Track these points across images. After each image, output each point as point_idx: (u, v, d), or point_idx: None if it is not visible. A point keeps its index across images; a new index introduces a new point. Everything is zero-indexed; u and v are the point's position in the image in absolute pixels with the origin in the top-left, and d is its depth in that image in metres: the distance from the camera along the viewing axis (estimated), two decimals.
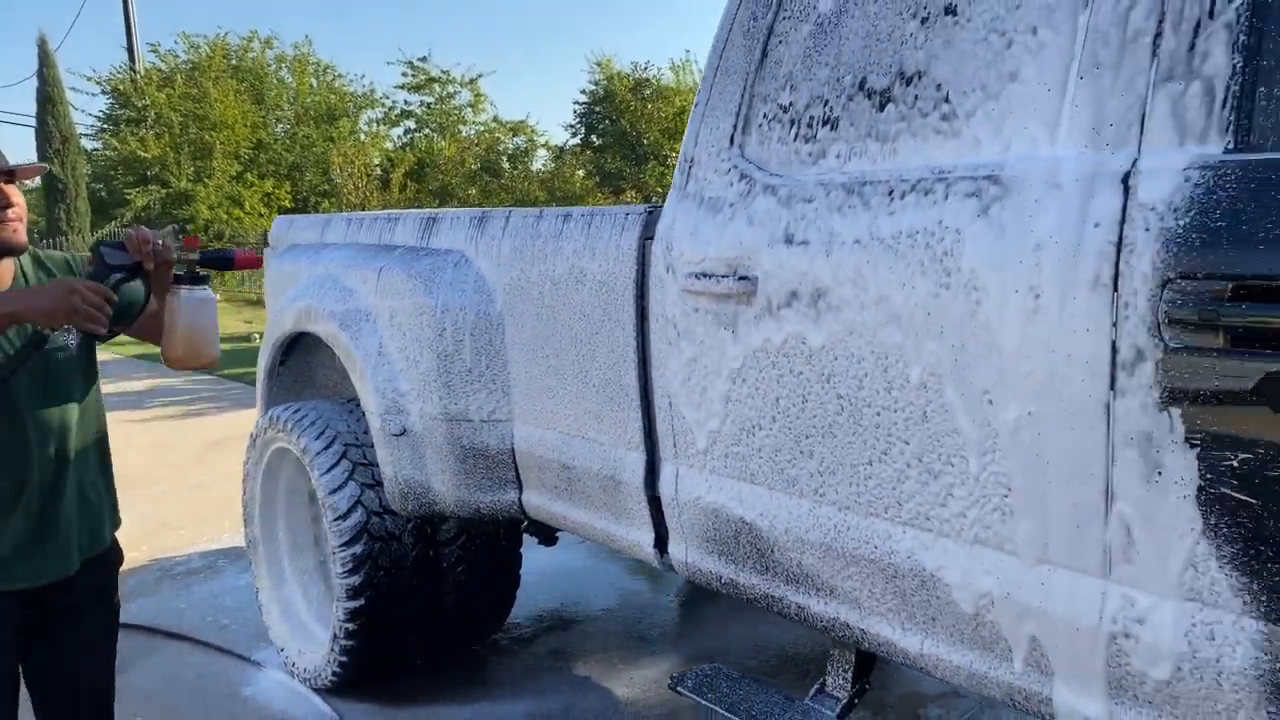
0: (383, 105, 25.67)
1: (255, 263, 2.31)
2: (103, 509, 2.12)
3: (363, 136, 24.78)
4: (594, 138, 22.04)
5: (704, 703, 2.19)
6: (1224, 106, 1.39)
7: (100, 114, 23.51)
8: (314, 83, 25.14)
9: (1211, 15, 1.42)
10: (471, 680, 3.35)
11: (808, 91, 2.02)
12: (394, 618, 3.07)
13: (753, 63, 2.15)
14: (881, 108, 1.87)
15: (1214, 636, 1.39)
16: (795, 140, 2.03)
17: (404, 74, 24.73)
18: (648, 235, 2.29)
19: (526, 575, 3.50)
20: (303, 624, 3.45)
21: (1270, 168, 1.32)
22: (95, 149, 23.66)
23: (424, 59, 24.54)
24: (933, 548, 1.74)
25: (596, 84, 22.00)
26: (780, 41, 2.11)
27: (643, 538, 2.40)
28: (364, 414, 3.01)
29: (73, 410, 2.02)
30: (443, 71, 24.77)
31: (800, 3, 2.09)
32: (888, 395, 1.77)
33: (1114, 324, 1.44)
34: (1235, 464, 1.34)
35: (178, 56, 23.90)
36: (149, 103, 21.99)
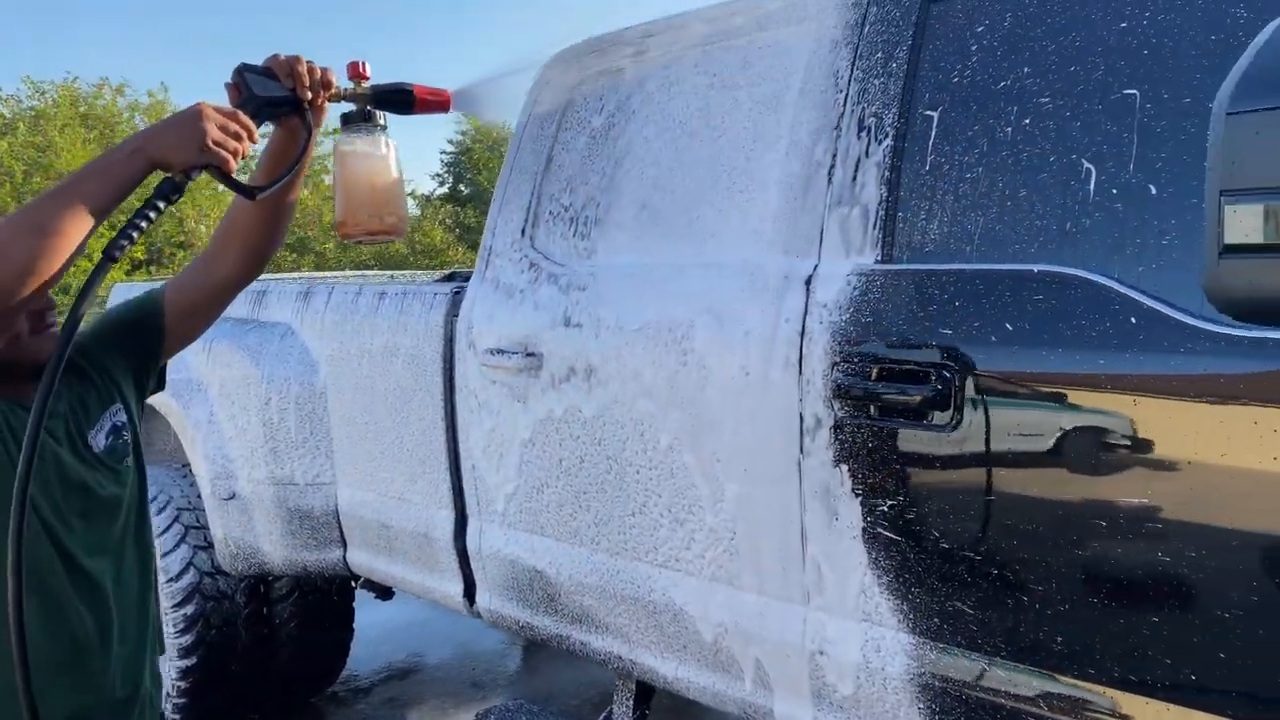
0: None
1: (443, 104, 1.72)
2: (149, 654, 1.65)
3: (222, 188, 24.33)
4: (461, 187, 22.25)
5: None
6: (874, 226, 1.76)
7: None
8: None
9: (867, 155, 1.80)
10: None
11: (583, 194, 2.35)
12: (227, 675, 3.20)
13: (540, 166, 2.46)
14: (639, 212, 2.21)
15: (880, 650, 1.73)
16: (573, 236, 2.34)
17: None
18: (454, 314, 2.57)
19: (369, 629, 3.66)
20: None
21: (902, 276, 1.70)
22: None
23: None
24: (681, 586, 2.05)
25: (464, 134, 22.28)
26: (563, 148, 2.44)
27: (453, 589, 2.64)
28: (196, 479, 3.16)
29: (115, 512, 1.58)
30: None
31: (578, 116, 2.42)
32: (644, 457, 2.08)
33: (800, 398, 1.79)
34: (885, 509, 1.69)
35: (20, 102, 23.08)
36: None
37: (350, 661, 3.73)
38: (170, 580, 3.11)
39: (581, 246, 2.32)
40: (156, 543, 3.15)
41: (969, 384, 1.58)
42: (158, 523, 3.17)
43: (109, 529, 1.53)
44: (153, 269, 21.59)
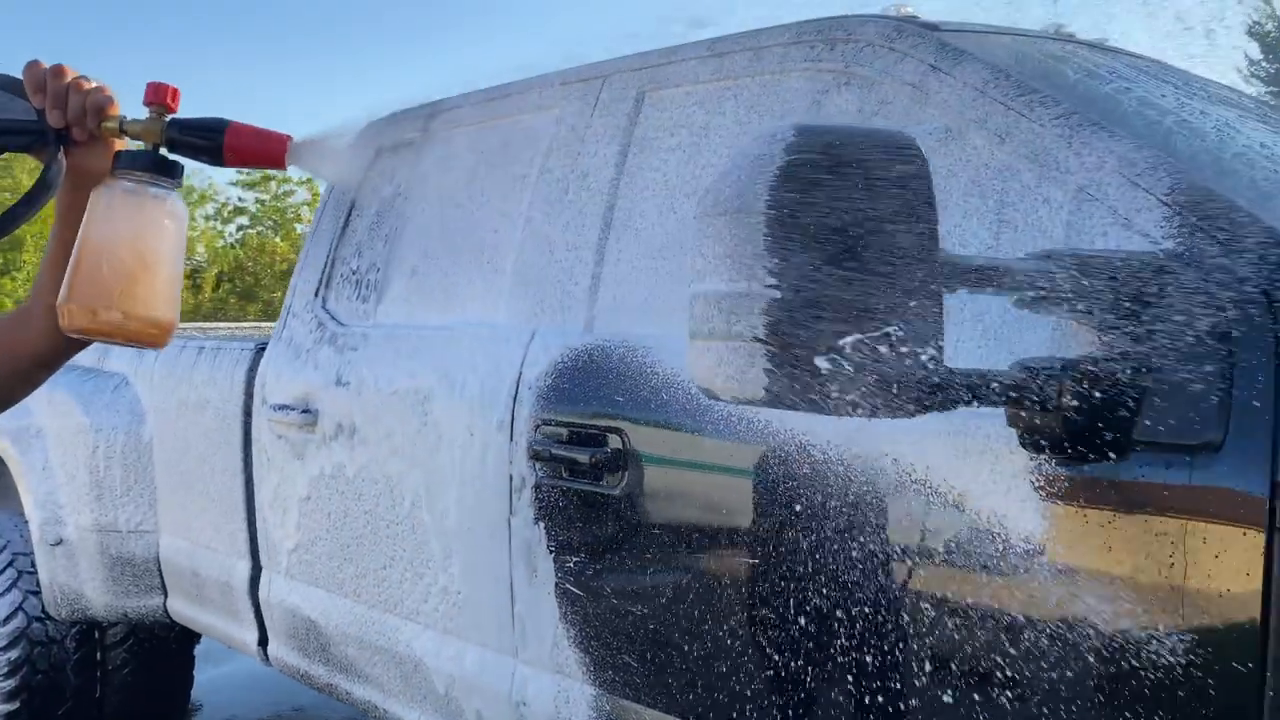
0: (215, 200, 25.44)
1: (274, 157, 1.20)
2: None
3: (193, 233, 24.44)
4: None
5: None
6: (580, 299, 1.89)
7: None
8: None
9: (581, 235, 1.92)
10: None
11: (369, 258, 2.47)
12: (48, 715, 3.23)
13: (337, 230, 2.59)
14: (409, 278, 2.33)
15: (569, 700, 1.82)
16: (357, 299, 2.46)
17: (238, 170, 24.68)
18: (254, 370, 2.67)
19: (233, 677, 3.67)
20: None
21: (590, 350, 1.82)
22: None
23: None
24: (420, 638, 2.14)
25: None
26: (358, 214, 2.56)
27: (250, 637, 2.71)
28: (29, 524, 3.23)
29: None
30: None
31: (373, 184, 2.55)
32: (393, 513, 2.17)
33: (510, 459, 1.89)
34: (571, 565, 1.79)
35: None
36: None
37: (228, 705, 3.75)
38: None
39: (362, 309, 2.44)
40: None
41: (633, 447, 1.69)
42: None
43: None
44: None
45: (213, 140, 1.18)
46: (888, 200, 1.05)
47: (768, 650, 1.52)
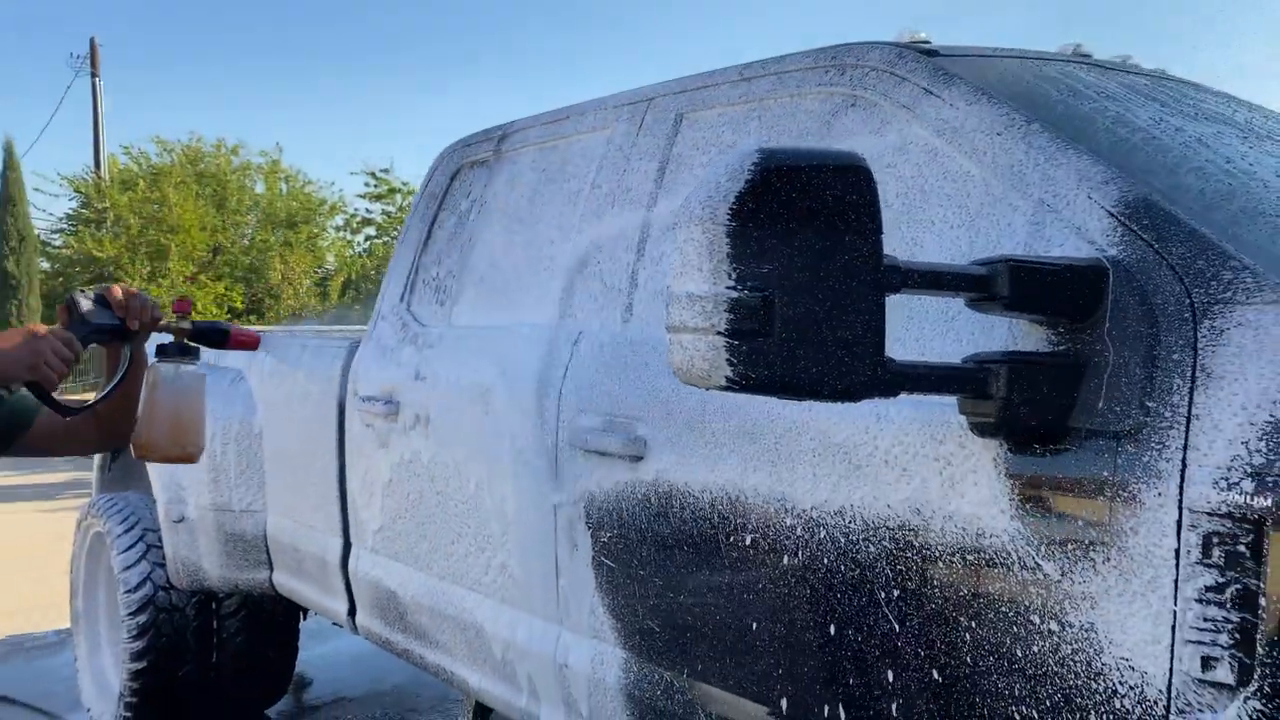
0: (345, 212, 26.58)
1: (253, 344, 2.07)
2: None
3: (324, 242, 25.61)
4: None
5: None
6: (623, 294, 2.09)
7: (66, 214, 24.33)
8: (284, 188, 26.02)
9: (626, 238, 2.13)
10: None
11: (447, 266, 2.73)
12: (173, 680, 3.60)
13: (421, 240, 2.86)
14: (479, 285, 2.58)
15: (603, 662, 2.02)
16: (436, 303, 2.72)
17: (366, 184, 25.76)
18: (349, 366, 2.96)
19: (338, 655, 3.99)
20: (110, 688, 3.96)
21: (622, 347, 2.01)
22: (55, 247, 24.38)
23: (386, 170, 25.52)
24: (482, 607, 2.37)
25: None
26: (439, 226, 2.83)
27: (340, 607, 3.00)
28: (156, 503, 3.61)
29: None
30: (403, 183, 25.81)
31: (454, 199, 2.82)
32: (460, 494, 2.42)
33: (556, 444, 2.11)
34: (605, 540, 1.99)
35: (150, 158, 24.83)
36: (109, 205, 22.81)
37: (334, 681, 4.07)
38: (129, 591, 3.54)
39: (439, 312, 2.69)
40: (120, 558, 3.60)
41: (661, 431, 1.88)
42: (126, 540, 3.62)
43: None
44: (252, 319, 22.87)
45: (220, 337, 1.98)
46: (836, 215, 1.22)
47: (770, 617, 1.69)
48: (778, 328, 1.21)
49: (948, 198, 1.59)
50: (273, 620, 3.79)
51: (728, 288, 1.21)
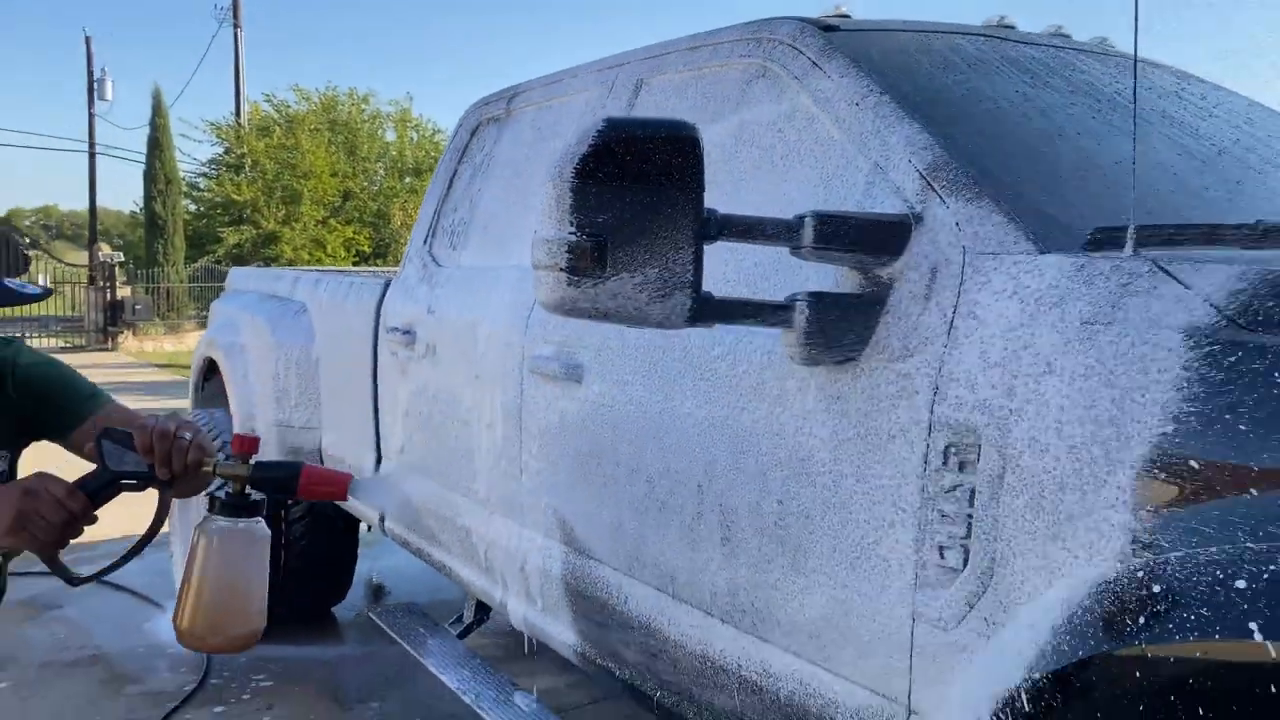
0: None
1: (338, 492, 1.56)
2: None
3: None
4: None
5: (381, 624, 3.18)
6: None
7: (210, 159, 25.80)
8: (414, 136, 26.89)
9: None
10: (318, 632, 4.37)
11: (461, 213, 3.06)
12: None
13: (443, 191, 3.20)
14: (483, 231, 2.90)
15: (550, 556, 2.35)
16: (450, 247, 3.06)
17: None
18: (382, 301, 3.34)
19: (410, 565, 4.45)
20: None
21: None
22: (199, 190, 25.94)
23: None
24: (470, 511, 2.72)
25: None
26: (459, 177, 3.16)
27: (374, 514, 3.42)
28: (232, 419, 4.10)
29: None
30: None
31: (472, 153, 3.14)
32: (456, 414, 2.77)
33: (520, 370, 2.43)
34: (553, 450, 2.30)
35: (289, 106, 26.05)
36: (247, 150, 24.11)
37: (406, 588, 4.53)
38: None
39: (452, 255, 3.03)
40: None
41: (595, 360, 2.18)
42: None
43: None
44: (378, 261, 23.93)
45: (289, 483, 1.47)
46: (664, 174, 1.48)
47: (669, 509, 1.98)
48: (609, 267, 1.48)
49: (816, 160, 1.82)
50: (334, 528, 4.25)
51: (569, 233, 1.49)
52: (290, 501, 4.08)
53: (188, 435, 1.43)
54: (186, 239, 24.06)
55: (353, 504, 3.64)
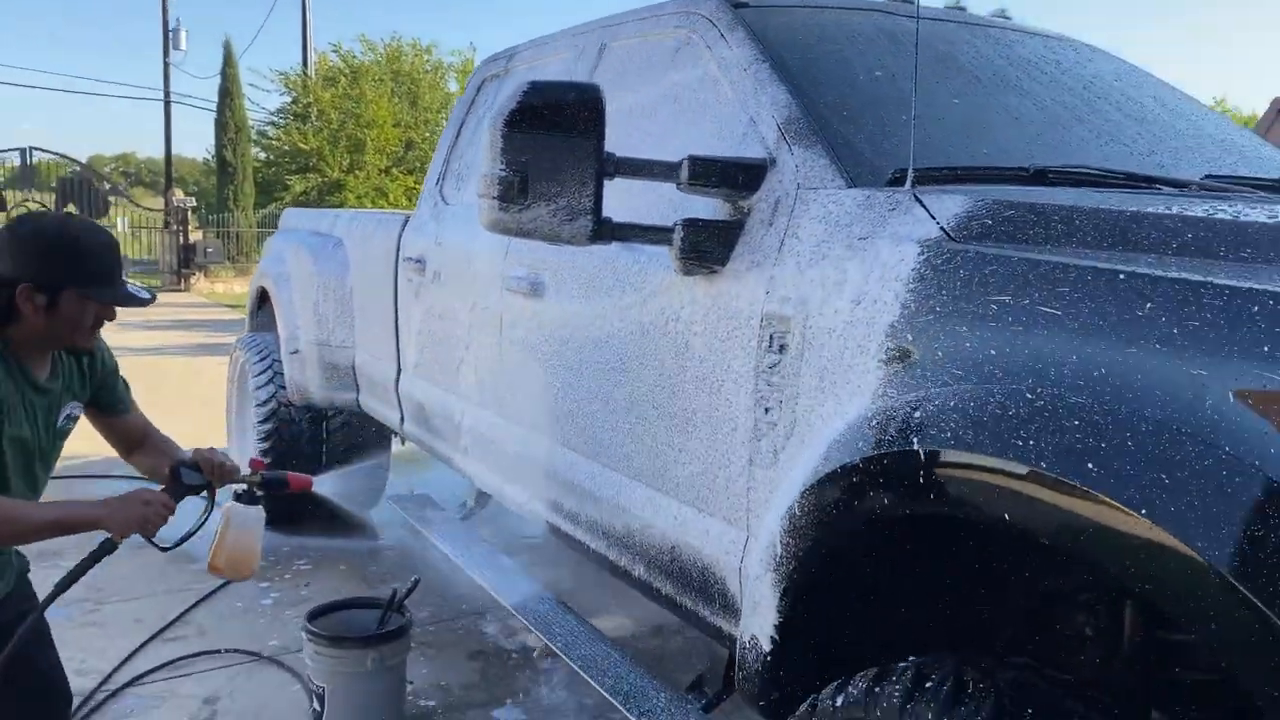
0: None
1: (308, 485, 2.64)
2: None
3: None
4: None
5: (398, 508, 3.75)
6: None
7: (278, 109, 26.64)
8: None
9: None
10: (353, 528, 4.97)
11: (467, 158, 3.55)
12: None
13: (453, 138, 3.69)
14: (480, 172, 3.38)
15: (479, 421, 2.85)
16: (457, 189, 3.56)
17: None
18: (401, 234, 3.85)
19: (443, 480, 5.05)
20: None
21: None
22: (268, 138, 26.83)
23: None
24: (458, 406, 3.25)
25: None
26: (466, 126, 3.65)
27: (395, 417, 3.97)
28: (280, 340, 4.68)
29: (47, 467, 2.22)
30: None
31: (478, 106, 3.62)
32: (455, 329, 3.28)
33: (501, 288, 2.92)
34: (518, 351, 2.80)
35: (355, 57, 26.71)
36: (313, 100, 24.84)
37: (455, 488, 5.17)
38: (259, 405, 4.65)
39: (458, 194, 3.53)
40: (253, 380, 4.71)
41: (552, 279, 2.66)
42: (259, 367, 4.72)
43: (35, 469, 2.18)
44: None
45: (281, 485, 2.52)
46: (574, 123, 1.95)
47: (593, 390, 2.47)
48: (530, 197, 1.96)
49: (715, 114, 2.27)
50: (367, 432, 4.84)
51: (499, 170, 1.97)
52: (330, 413, 4.66)
53: (228, 462, 2.34)
54: (256, 185, 24.97)
55: (376, 409, 4.20)
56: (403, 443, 4.90)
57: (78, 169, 24.33)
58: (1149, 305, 1.28)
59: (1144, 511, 1.15)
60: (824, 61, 2.23)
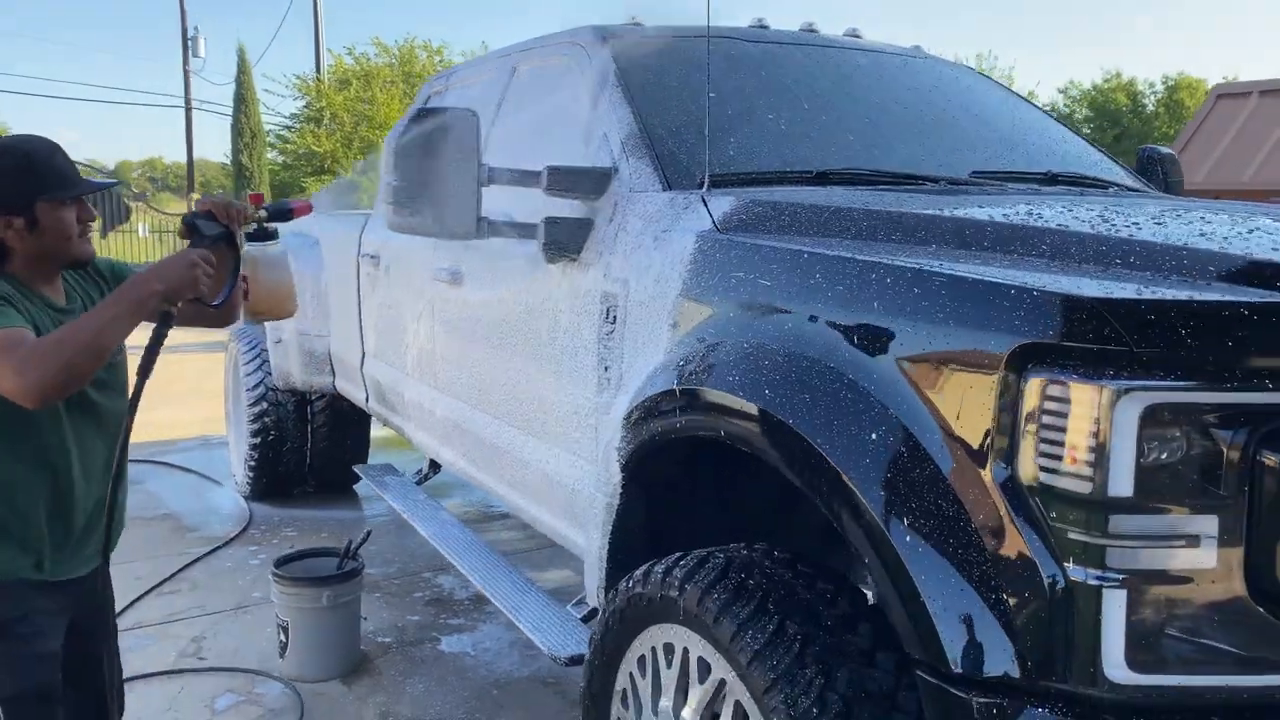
0: None
1: (308, 209, 2.39)
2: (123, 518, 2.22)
3: None
4: None
5: (363, 475, 4.26)
6: None
7: (292, 113, 27.31)
8: None
9: None
10: (338, 501, 5.48)
11: None
12: (279, 455, 5.23)
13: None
14: None
15: (438, 404, 3.34)
16: None
17: None
18: (362, 233, 4.35)
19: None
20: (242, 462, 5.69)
21: None
22: (283, 142, 27.49)
23: None
24: (404, 383, 3.74)
25: None
26: None
27: (361, 396, 4.47)
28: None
29: (110, 396, 2.10)
30: None
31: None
32: (399, 314, 3.77)
33: (432, 277, 3.40)
34: (443, 330, 3.29)
35: (370, 60, 27.29)
36: (325, 104, 25.47)
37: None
38: (249, 390, 5.17)
39: None
40: (243, 368, 5.23)
41: (468, 270, 3.14)
42: (248, 356, 5.24)
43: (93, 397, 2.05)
44: None
45: (285, 214, 2.29)
46: (454, 140, 2.42)
47: (497, 357, 2.95)
48: (420, 201, 2.44)
49: (577, 130, 2.75)
50: (348, 416, 5.34)
51: (393, 180, 2.45)
52: (313, 397, 5.17)
53: (235, 203, 2.14)
54: (272, 189, 25.62)
55: (348, 390, 4.71)
56: (383, 425, 5.42)
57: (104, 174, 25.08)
58: (818, 276, 1.74)
59: (791, 422, 1.62)
60: (666, 84, 2.70)
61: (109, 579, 2.25)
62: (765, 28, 3.10)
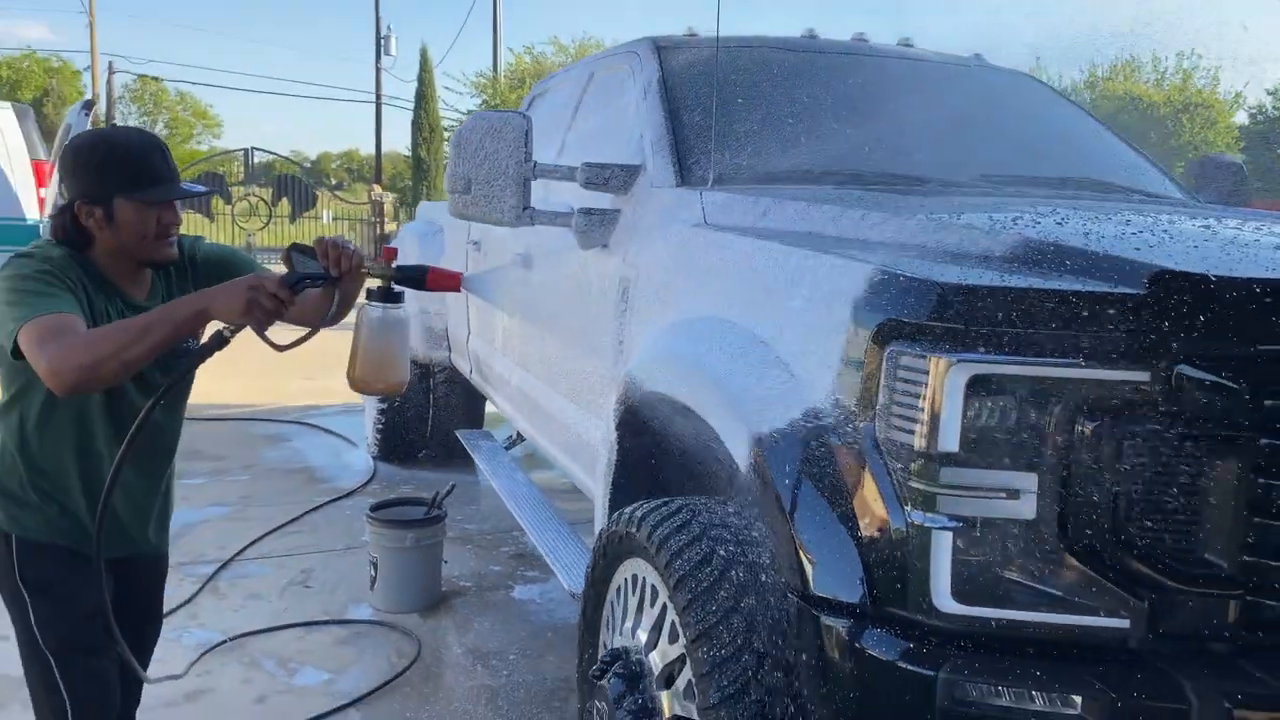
0: None
1: (453, 284, 2.08)
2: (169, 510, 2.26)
3: None
4: None
5: (460, 438, 4.73)
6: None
7: (468, 111, 28.67)
8: None
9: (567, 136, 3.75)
10: (460, 462, 6.01)
11: None
12: (405, 420, 5.80)
13: None
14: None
15: (501, 364, 3.74)
16: None
17: None
18: None
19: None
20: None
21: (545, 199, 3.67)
22: None
23: None
24: (494, 357, 4.16)
25: None
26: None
27: (466, 367, 4.94)
28: None
29: (176, 412, 2.16)
30: None
31: None
32: (504, 294, 4.20)
33: (515, 261, 3.81)
34: (500, 302, 3.69)
35: (547, 57, 28.34)
36: (500, 102, 26.64)
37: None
38: None
39: None
40: None
41: (535, 253, 3.53)
42: None
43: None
44: None
45: (420, 278, 2.04)
46: (506, 139, 2.80)
47: (544, 334, 3.31)
48: (475, 192, 2.83)
49: (628, 130, 3.07)
50: (467, 389, 5.85)
51: (455, 173, 2.85)
52: (435, 370, 5.71)
53: (351, 246, 2.00)
54: None
55: (459, 363, 5.20)
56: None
57: (294, 166, 27.12)
58: (749, 260, 2.02)
59: (695, 390, 1.92)
60: (699, 89, 2.99)
61: (161, 563, 2.31)
62: (815, 38, 3.34)
